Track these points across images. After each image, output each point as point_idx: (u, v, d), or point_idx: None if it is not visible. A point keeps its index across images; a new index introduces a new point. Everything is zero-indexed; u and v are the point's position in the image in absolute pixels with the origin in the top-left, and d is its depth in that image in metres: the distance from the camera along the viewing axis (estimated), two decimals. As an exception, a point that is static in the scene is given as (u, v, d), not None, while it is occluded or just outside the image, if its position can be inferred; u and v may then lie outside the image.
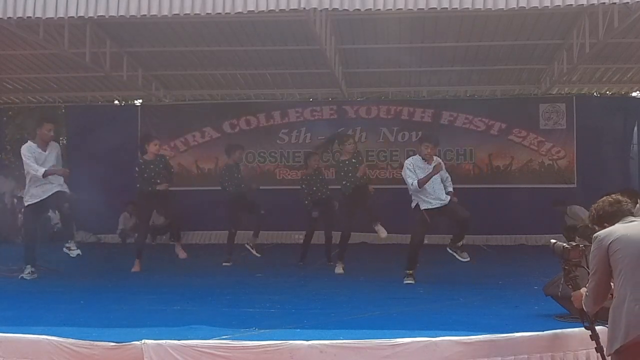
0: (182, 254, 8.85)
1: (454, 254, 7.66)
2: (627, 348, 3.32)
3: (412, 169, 7.55)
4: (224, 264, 9.33)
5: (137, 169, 8.76)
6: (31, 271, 7.75)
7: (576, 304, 3.82)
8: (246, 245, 9.56)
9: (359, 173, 8.42)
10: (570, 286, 3.92)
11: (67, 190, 7.89)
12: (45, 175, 7.61)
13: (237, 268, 9.12)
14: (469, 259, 7.61)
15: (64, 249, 7.86)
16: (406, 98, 14.53)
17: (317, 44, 9.81)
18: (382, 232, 8.45)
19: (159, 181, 8.67)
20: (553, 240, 4.12)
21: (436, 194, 7.54)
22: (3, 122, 16.37)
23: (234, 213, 9.65)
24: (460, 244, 7.67)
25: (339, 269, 8.51)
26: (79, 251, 7.80)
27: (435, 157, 7.75)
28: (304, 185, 9.62)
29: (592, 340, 3.77)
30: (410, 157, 7.90)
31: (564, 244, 3.99)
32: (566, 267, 3.95)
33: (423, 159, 7.65)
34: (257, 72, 13.15)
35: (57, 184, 7.76)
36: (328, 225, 9.62)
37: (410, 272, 7.52)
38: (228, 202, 9.68)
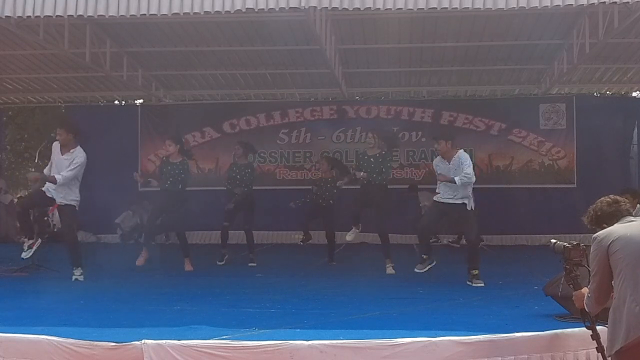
0: (188, 267, 8.81)
1: (471, 284, 7.33)
2: (628, 349, 3.31)
3: (436, 167, 7.85)
4: (218, 263, 9.30)
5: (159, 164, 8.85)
6: (28, 245, 7.73)
7: (577, 304, 3.81)
8: (249, 265, 9.47)
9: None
10: (571, 285, 3.91)
11: (68, 201, 7.70)
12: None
13: (237, 268, 9.12)
14: (483, 284, 7.28)
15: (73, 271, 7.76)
16: (406, 98, 14.54)
17: (317, 44, 9.80)
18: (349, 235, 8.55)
19: (170, 179, 8.67)
20: (553, 240, 4.10)
21: (445, 189, 7.60)
22: (3, 122, 16.37)
23: (227, 209, 9.57)
24: (475, 272, 7.36)
25: (349, 236, 8.61)
26: (80, 278, 7.68)
27: (457, 155, 7.61)
28: (315, 188, 9.71)
29: (592, 340, 3.76)
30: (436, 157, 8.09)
31: (565, 244, 3.98)
32: (567, 267, 3.93)
33: (442, 157, 7.75)
34: (257, 72, 13.15)
35: (59, 195, 7.64)
36: (328, 227, 9.64)
37: (425, 256, 7.65)
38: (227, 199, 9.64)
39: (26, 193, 9.09)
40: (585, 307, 3.67)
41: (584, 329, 3.89)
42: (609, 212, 3.61)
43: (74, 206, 7.75)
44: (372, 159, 8.42)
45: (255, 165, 13.33)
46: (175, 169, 8.72)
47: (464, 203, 7.50)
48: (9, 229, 14.72)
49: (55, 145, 7.80)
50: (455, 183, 7.39)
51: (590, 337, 3.79)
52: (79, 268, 7.70)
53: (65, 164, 7.59)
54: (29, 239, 7.77)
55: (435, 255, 7.85)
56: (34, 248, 7.69)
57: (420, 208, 12.38)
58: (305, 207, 9.89)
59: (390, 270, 8.32)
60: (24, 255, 7.68)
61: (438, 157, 7.87)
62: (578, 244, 3.96)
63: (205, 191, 12.31)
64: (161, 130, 13.82)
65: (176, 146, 8.81)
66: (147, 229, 9.33)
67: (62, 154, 7.66)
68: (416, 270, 7.53)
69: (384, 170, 8.41)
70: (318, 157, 13.48)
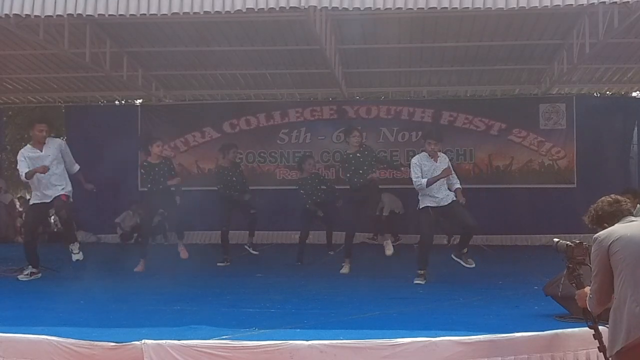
0: (184, 254, 8.85)
1: (459, 260, 7.62)
2: (629, 349, 3.29)
3: (419, 166, 7.57)
4: (218, 264, 9.29)
5: (142, 171, 8.83)
6: (31, 272, 7.71)
7: (580, 303, 3.78)
8: (245, 247, 9.53)
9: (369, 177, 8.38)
10: (574, 284, 3.88)
11: (68, 192, 7.82)
12: (27, 177, 7.66)
13: (237, 268, 9.12)
14: (474, 264, 7.53)
15: (70, 248, 7.85)
16: (406, 98, 14.54)
17: (317, 44, 9.80)
18: (389, 249, 8.33)
19: (162, 180, 8.71)
20: (556, 239, 4.07)
21: (439, 193, 7.54)
22: (3, 122, 16.36)
23: (224, 212, 9.58)
24: (464, 250, 7.60)
25: (344, 269, 8.49)
26: (79, 256, 7.74)
27: (441, 154, 7.74)
28: (302, 190, 9.66)
29: (595, 339, 3.74)
30: (416, 155, 7.89)
31: (568, 242, 3.95)
32: (570, 265, 3.90)
33: (429, 155, 7.66)
34: (257, 72, 13.15)
35: (57, 188, 7.70)
36: (329, 226, 9.63)
37: (422, 272, 7.51)
38: (219, 201, 9.65)
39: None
40: (587, 306, 3.65)
41: (584, 329, 3.89)
42: (610, 212, 3.60)
43: (70, 196, 7.89)
44: (358, 154, 8.41)
45: (255, 165, 13.43)
46: (164, 167, 8.78)
47: (454, 200, 7.57)
48: (9, 228, 14.73)
49: (26, 150, 7.80)
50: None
51: (592, 336, 3.77)
52: (76, 243, 7.83)
53: (50, 157, 7.68)
54: (32, 267, 7.78)
55: (435, 256, 7.84)
56: (32, 278, 7.69)
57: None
58: (300, 213, 9.86)
59: (345, 269, 8.40)
60: (21, 277, 7.68)
61: (422, 155, 7.72)
62: (581, 243, 3.93)
63: (205, 191, 12.30)
64: (161, 130, 13.83)
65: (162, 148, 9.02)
66: (144, 230, 9.35)
67: (42, 150, 7.72)
68: (416, 282, 7.47)
69: (387, 159, 8.52)
70: (318, 157, 13.52)
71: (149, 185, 8.88)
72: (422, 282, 7.41)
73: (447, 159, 7.83)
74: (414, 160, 7.70)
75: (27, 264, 7.80)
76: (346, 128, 9.33)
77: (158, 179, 8.73)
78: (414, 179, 7.55)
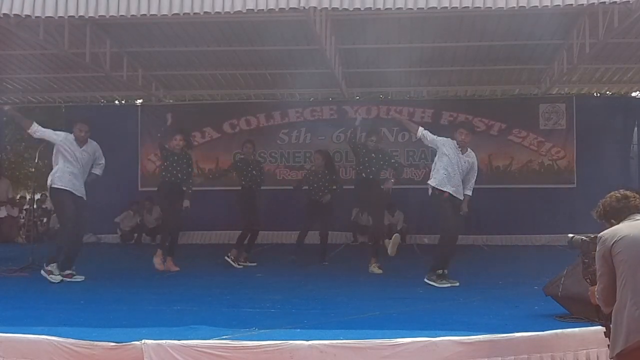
0: (174, 268, 8.64)
1: (430, 282, 7.10)
2: (628, 352, 3.27)
3: (442, 142, 7.30)
4: (237, 265, 9.13)
5: (161, 152, 8.91)
6: (69, 273, 7.60)
7: (592, 300, 3.69)
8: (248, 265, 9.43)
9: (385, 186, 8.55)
10: (588, 280, 3.81)
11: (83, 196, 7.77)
12: (33, 130, 7.69)
13: (237, 268, 9.11)
14: (449, 284, 7.07)
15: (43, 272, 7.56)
16: (406, 98, 14.55)
17: (317, 44, 9.80)
18: (390, 249, 8.32)
19: (179, 175, 8.73)
20: (571, 235, 4.02)
21: (454, 182, 7.25)
22: (3, 122, 16.36)
23: (246, 211, 9.44)
24: (440, 272, 7.13)
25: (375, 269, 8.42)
26: (79, 278, 7.64)
27: (470, 151, 7.40)
28: (305, 180, 9.77)
29: (605, 337, 3.69)
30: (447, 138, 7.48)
31: (583, 237, 3.90)
32: (586, 260, 3.83)
33: (457, 145, 7.30)
34: (257, 72, 13.15)
35: (82, 191, 7.74)
36: (323, 226, 9.61)
37: (441, 271, 7.17)
38: (240, 199, 9.52)
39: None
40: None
41: (584, 328, 3.88)
42: (618, 208, 3.55)
43: None
44: (373, 154, 8.58)
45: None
46: (183, 158, 8.81)
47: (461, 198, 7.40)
48: (12, 228, 14.70)
49: (70, 138, 7.79)
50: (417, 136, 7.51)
51: (604, 334, 3.71)
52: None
53: (87, 156, 7.81)
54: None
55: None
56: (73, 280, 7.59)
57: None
58: (304, 208, 9.88)
59: (376, 269, 8.34)
60: (52, 278, 7.49)
61: (452, 142, 7.30)
62: (596, 237, 3.89)
63: (205, 191, 12.32)
64: (161, 130, 13.82)
65: (185, 140, 9.00)
66: (174, 228, 8.94)
67: (81, 147, 7.78)
68: (439, 285, 7.12)
69: (396, 165, 8.83)
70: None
71: (165, 173, 8.84)
72: (447, 284, 7.09)
73: (475, 158, 7.45)
74: (441, 137, 7.41)
75: (50, 261, 7.57)
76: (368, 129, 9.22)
77: (175, 168, 8.75)
78: (423, 133, 7.43)
